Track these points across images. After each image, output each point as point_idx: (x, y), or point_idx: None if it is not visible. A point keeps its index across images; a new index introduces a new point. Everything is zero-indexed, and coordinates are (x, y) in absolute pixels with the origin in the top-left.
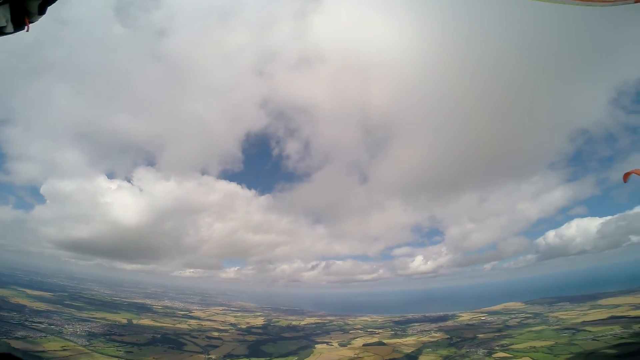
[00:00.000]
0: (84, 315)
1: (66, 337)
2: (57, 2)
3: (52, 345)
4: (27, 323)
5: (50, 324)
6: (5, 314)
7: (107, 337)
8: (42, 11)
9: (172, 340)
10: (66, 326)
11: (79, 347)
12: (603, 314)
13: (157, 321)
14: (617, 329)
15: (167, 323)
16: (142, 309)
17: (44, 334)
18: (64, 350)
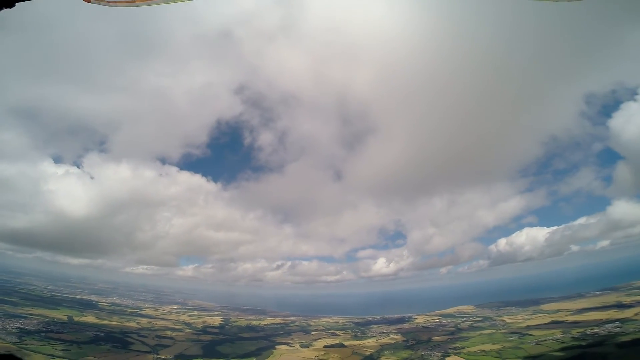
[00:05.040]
0: (19, 311)
1: None
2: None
3: None
4: None
5: None
6: None
7: (42, 334)
8: None
9: (117, 339)
10: None
11: (6, 344)
12: (544, 319)
13: (102, 319)
14: (557, 334)
15: (113, 321)
16: (86, 305)
17: None
18: None
